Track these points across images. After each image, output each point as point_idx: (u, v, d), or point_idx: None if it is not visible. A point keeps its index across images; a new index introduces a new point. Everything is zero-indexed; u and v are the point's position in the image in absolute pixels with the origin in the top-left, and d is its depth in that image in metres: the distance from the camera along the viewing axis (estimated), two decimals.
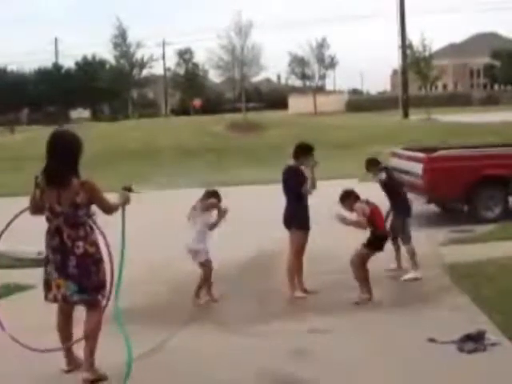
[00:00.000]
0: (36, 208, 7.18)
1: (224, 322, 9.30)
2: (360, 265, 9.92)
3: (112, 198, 7.44)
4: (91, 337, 7.10)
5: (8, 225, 7.32)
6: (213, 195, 10.33)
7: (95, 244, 7.09)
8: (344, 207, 10.22)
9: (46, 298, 7.23)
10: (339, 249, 12.57)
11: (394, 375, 7.02)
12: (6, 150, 40.91)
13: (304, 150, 10.47)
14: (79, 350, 7.35)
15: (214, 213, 10.30)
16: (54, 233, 7.01)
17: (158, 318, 9.51)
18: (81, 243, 6.97)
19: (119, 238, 7.41)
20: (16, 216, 7.29)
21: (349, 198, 10.14)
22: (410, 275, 10.78)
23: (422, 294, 9.91)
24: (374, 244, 10.00)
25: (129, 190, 7.67)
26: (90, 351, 7.10)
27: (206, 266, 10.20)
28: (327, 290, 10.56)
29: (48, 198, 7.00)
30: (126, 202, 7.40)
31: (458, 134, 34.79)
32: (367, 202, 10.12)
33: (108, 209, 7.21)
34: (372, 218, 9.94)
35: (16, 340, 7.29)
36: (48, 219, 7.08)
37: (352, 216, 10.11)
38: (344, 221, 10.02)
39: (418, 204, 15.74)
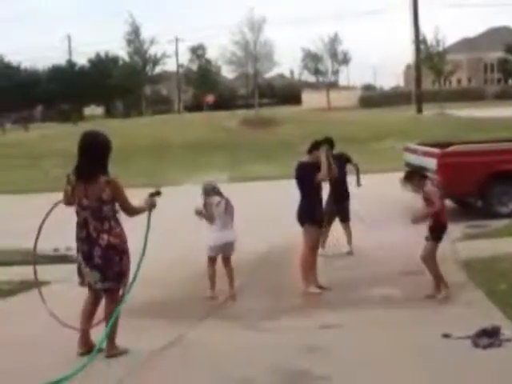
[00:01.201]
0: (69, 202, 7.70)
1: (238, 317, 9.33)
2: (432, 260, 9.77)
3: (137, 201, 7.84)
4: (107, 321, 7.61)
5: (44, 220, 7.89)
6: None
7: (119, 236, 7.58)
8: (409, 186, 10.01)
9: (81, 283, 7.77)
10: (353, 244, 12.61)
11: (407, 371, 7.00)
12: (20, 146, 41.10)
13: (318, 144, 10.50)
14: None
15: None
16: (82, 225, 7.58)
17: (175, 313, 9.56)
18: (105, 235, 7.49)
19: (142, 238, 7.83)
20: (49, 212, 7.89)
21: (416, 177, 9.92)
22: None
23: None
24: (439, 234, 9.82)
25: (157, 194, 8.02)
26: (110, 332, 7.59)
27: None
28: (341, 286, 10.57)
29: (77, 192, 7.55)
30: (151, 207, 7.92)
31: (472, 129, 34.71)
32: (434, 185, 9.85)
33: (129, 210, 7.72)
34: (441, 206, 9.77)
35: (54, 315, 7.85)
36: (77, 212, 7.64)
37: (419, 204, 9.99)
38: (420, 219, 9.89)
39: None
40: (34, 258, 8.48)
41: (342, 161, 12.94)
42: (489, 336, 7.59)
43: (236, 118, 46.68)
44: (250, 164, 29.93)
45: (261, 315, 9.34)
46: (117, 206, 7.61)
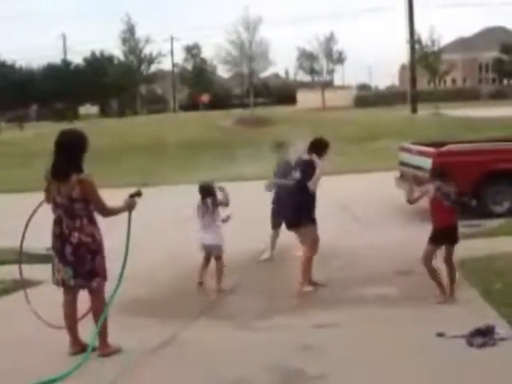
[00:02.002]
0: (46, 198, 7.76)
1: (232, 316, 9.32)
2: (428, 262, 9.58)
3: (118, 202, 7.84)
4: (98, 319, 7.65)
5: (29, 220, 7.95)
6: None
7: (91, 235, 7.61)
8: (404, 185, 9.91)
9: (52, 280, 7.83)
10: (348, 244, 12.61)
11: (402, 370, 7.01)
12: (15, 145, 41.07)
13: (322, 147, 10.48)
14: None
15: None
16: (56, 222, 7.64)
17: (168, 312, 9.56)
18: (76, 233, 7.54)
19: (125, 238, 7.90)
20: (34, 211, 7.92)
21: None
22: None
23: (432, 289, 9.89)
24: (436, 237, 9.61)
25: (138, 194, 8.01)
26: (100, 331, 7.65)
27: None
28: (336, 285, 10.57)
29: (52, 190, 7.61)
30: (131, 208, 7.95)
31: (467, 129, 34.75)
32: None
33: (102, 210, 7.71)
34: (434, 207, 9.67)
35: (38, 316, 8.01)
36: (52, 209, 7.70)
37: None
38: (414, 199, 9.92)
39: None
40: (20, 258, 8.48)
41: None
42: (483, 335, 7.61)
43: (231, 117, 46.68)
44: (245, 163, 29.88)
45: (255, 314, 9.32)
46: (91, 205, 7.61)
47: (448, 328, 7.88)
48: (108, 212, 7.74)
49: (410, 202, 9.93)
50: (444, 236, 9.56)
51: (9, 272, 10.87)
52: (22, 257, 8.51)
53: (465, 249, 12.00)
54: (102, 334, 7.67)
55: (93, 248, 7.60)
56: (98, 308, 7.69)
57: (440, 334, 7.78)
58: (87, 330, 7.81)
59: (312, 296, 10.14)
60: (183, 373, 7.24)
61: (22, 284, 8.59)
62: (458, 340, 7.61)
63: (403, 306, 9.29)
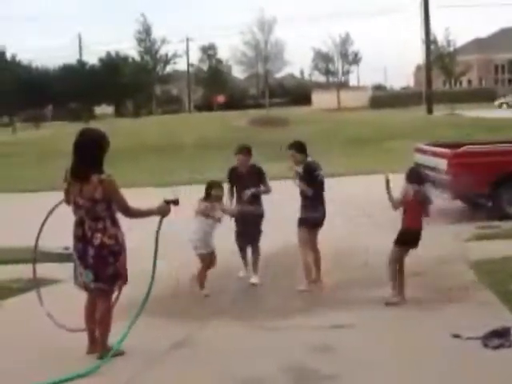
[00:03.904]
0: (66, 200, 7.65)
1: (247, 316, 9.31)
2: (392, 264, 9.66)
3: (150, 205, 7.86)
4: (102, 324, 7.61)
5: (45, 220, 7.89)
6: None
7: (114, 237, 7.48)
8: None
9: (75, 283, 7.74)
10: (363, 244, 12.57)
11: (417, 371, 6.99)
12: (30, 145, 41.24)
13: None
14: None
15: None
16: (78, 224, 7.51)
17: (183, 312, 9.56)
18: (99, 235, 7.40)
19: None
20: (52, 210, 7.84)
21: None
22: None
23: (447, 290, 9.86)
24: (403, 239, 9.69)
25: (174, 202, 7.87)
26: (102, 335, 7.61)
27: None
28: (351, 286, 10.56)
29: (72, 191, 7.47)
30: (164, 214, 7.88)
31: (483, 130, 34.65)
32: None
33: (126, 210, 7.57)
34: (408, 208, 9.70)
35: (51, 317, 7.91)
36: (73, 211, 7.56)
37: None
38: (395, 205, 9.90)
39: (443, 200, 15.73)
40: (34, 257, 8.37)
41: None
42: (499, 337, 7.58)
43: (246, 117, 46.70)
44: (261, 164, 29.89)
45: (270, 314, 9.33)
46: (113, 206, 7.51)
47: (464, 329, 7.85)
48: (133, 213, 7.61)
49: (395, 206, 9.88)
50: (413, 238, 9.68)
51: (25, 271, 10.90)
52: (36, 256, 8.39)
53: (480, 250, 12.01)
54: (105, 336, 7.60)
55: (115, 250, 7.47)
56: (107, 314, 7.61)
57: (455, 336, 7.75)
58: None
59: (327, 297, 10.13)
60: (197, 373, 7.23)
61: (36, 285, 8.51)
62: (474, 341, 7.58)
63: (419, 307, 9.26)
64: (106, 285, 7.52)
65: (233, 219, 11.07)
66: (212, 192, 10.46)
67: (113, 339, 7.64)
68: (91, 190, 7.33)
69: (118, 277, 7.57)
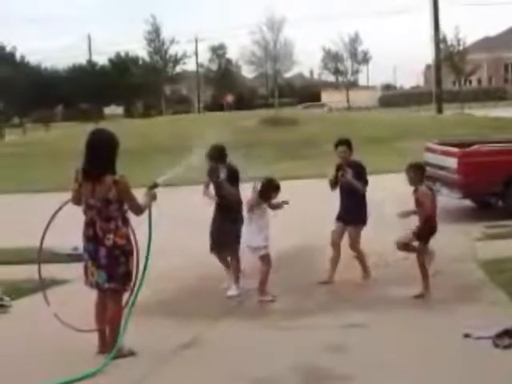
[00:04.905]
0: (76, 200, 7.65)
1: (258, 316, 9.32)
2: (422, 261, 9.73)
3: (140, 196, 7.72)
4: (113, 323, 7.65)
5: (51, 219, 7.85)
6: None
7: (126, 237, 7.53)
8: (409, 178, 9.94)
9: (85, 282, 7.75)
10: (379, 243, 12.52)
11: (428, 371, 6.99)
12: (40, 145, 41.28)
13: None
14: None
15: None
16: (89, 224, 7.52)
17: (192, 311, 9.56)
18: (111, 235, 7.44)
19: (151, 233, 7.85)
20: (59, 209, 7.81)
21: (418, 172, 9.87)
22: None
23: (458, 290, 9.85)
24: (429, 238, 9.78)
25: (155, 186, 7.88)
26: (112, 334, 7.64)
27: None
28: (366, 285, 10.58)
29: (84, 191, 7.49)
30: (151, 200, 7.79)
31: (493, 129, 34.52)
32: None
33: (136, 209, 7.61)
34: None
35: (58, 318, 7.83)
36: (84, 211, 7.58)
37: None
38: (407, 215, 10.00)
39: (453, 199, 15.73)
40: (38, 258, 8.28)
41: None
42: (510, 336, 7.56)
43: (256, 117, 46.58)
44: (270, 163, 29.86)
45: (283, 313, 9.34)
46: (125, 205, 7.54)
47: (474, 329, 7.84)
48: (141, 210, 7.64)
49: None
50: (432, 228, 9.78)
51: (36, 271, 10.95)
52: (40, 257, 8.28)
53: (490, 249, 11.99)
54: (114, 337, 7.63)
55: (127, 250, 7.52)
56: (118, 313, 7.65)
57: (466, 335, 7.75)
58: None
59: (340, 295, 10.13)
60: (208, 373, 7.24)
61: (41, 285, 8.46)
62: (485, 341, 7.58)
63: (431, 306, 9.26)
64: (119, 284, 7.55)
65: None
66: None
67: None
68: (104, 191, 7.35)
69: (130, 276, 7.61)
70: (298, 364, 7.29)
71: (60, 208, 7.83)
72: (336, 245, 10.82)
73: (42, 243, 8.01)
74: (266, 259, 10.00)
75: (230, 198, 10.34)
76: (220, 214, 10.50)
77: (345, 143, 10.85)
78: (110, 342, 7.64)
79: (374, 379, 6.89)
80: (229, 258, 10.57)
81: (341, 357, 7.53)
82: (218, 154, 10.50)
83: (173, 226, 14.09)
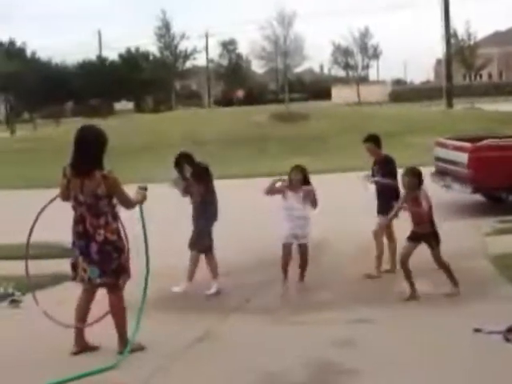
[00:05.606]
0: (65, 195, 7.66)
1: (269, 310, 9.33)
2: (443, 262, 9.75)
3: (130, 193, 7.79)
4: (117, 316, 7.65)
5: (39, 213, 7.79)
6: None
7: (116, 232, 7.59)
8: (404, 183, 9.91)
9: (73, 279, 7.77)
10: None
11: (438, 366, 6.99)
12: (50, 141, 41.33)
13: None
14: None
15: None
16: (78, 220, 7.55)
17: (203, 307, 9.59)
18: (102, 231, 7.48)
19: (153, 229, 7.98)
20: (45, 206, 7.80)
21: (417, 178, 9.70)
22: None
23: (468, 285, 9.83)
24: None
25: (145, 189, 7.97)
26: (119, 328, 7.63)
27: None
28: (375, 280, 10.58)
29: (73, 187, 7.53)
30: (143, 199, 7.87)
31: (504, 124, 34.41)
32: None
33: (126, 203, 7.68)
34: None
35: (47, 314, 7.80)
36: (73, 207, 7.62)
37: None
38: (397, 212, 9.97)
39: (464, 194, 15.70)
40: (26, 254, 8.16)
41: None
42: None
43: (266, 112, 46.52)
44: (281, 158, 29.85)
45: (291, 309, 9.35)
46: (114, 200, 7.58)
47: (485, 324, 7.84)
48: (131, 204, 7.71)
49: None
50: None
51: (44, 267, 10.98)
52: (28, 253, 8.16)
53: (500, 244, 11.97)
54: (122, 332, 7.65)
55: (118, 245, 7.57)
56: (120, 306, 7.65)
57: (477, 330, 7.75)
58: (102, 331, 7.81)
59: (350, 291, 10.12)
60: (219, 367, 7.26)
61: (29, 282, 8.39)
62: (495, 335, 7.57)
63: (440, 302, 9.25)
64: (113, 278, 7.56)
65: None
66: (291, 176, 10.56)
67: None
68: (94, 186, 7.40)
69: (122, 271, 7.63)
70: (308, 359, 7.30)
71: (47, 204, 7.78)
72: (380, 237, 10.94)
73: (29, 240, 7.93)
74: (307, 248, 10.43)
75: (195, 195, 10.41)
76: (193, 212, 10.59)
77: (370, 139, 10.89)
78: (119, 338, 7.64)
79: (384, 374, 6.89)
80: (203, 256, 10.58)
81: (350, 352, 7.54)
82: (181, 160, 10.52)
83: (166, 226, 14.08)
